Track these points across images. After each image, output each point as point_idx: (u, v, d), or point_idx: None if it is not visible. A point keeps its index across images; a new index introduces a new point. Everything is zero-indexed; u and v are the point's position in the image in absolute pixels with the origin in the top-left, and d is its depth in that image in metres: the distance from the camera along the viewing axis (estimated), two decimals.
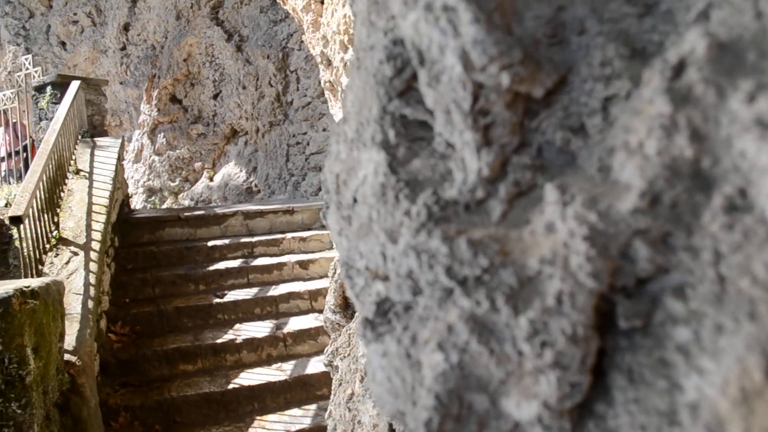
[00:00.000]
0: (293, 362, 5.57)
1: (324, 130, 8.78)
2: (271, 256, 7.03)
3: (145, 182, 12.02)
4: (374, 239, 0.59)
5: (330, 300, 2.36)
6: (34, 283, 3.23)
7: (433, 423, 0.51)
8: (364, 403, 1.49)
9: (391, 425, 1.33)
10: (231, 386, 5.13)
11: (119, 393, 5.05)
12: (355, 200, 0.64)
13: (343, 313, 2.25)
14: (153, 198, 11.76)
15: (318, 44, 5.83)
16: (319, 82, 8.87)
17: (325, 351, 2.30)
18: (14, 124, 8.99)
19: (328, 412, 2.03)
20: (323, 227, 7.64)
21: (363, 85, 0.66)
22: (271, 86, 9.85)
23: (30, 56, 9.37)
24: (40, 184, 4.83)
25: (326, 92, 6.32)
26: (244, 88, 10.40)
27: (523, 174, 0.52)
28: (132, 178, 12.02)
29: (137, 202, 11.60)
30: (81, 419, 3.75)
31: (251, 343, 5.62)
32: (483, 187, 0.54)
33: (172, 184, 11.54)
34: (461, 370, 0.50)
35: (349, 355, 1.97)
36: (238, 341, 5.60)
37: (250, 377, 5.29)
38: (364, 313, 0.62)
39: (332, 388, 2.13)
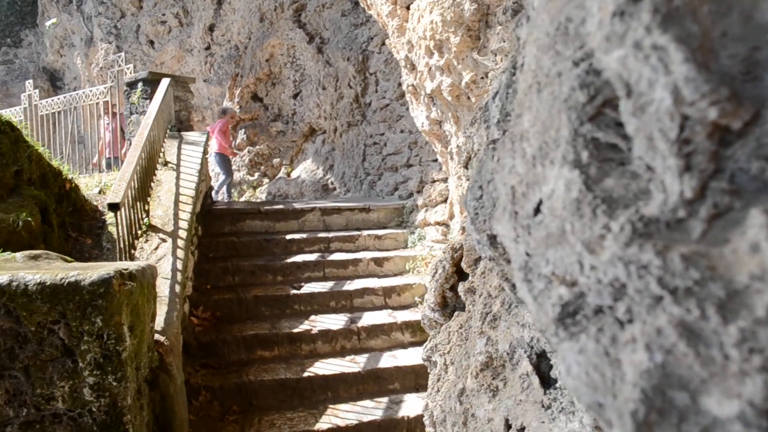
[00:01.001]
0: (366, 355, 5.70)
1: (401, 131, 8.88)
2: (347, 251, 7.20)
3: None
4: (568, 249, 0.66)
5: (429, 298, 2.44)
6: (131, 266, 3.45)
7: (639, 414, 0.58)
8: (479, 398, 1.56)
9: (507, 420, 1.40)
10: (306, 374, 5.29)
11: (200, 373, 5.30)
12: (537, 211, 0.71)
13: (442, 311, 2.33)
14: (232, 191, 12.17)
15: (402, 49, 5.95)
16: (398, 85, 9.02)
17: (423, 347, 2.38)
18: (120, 115, 9.50)
19: (424, 405, 2.11)
20: (398, 226, 7.76)
21: (548, 108, 0.73)
22: (351, 87, 10.03)
23: (122, 54, 9.87)
24: (134, 174, 5.12)
25: (408, 95, 6.44)
26: (323, 88, 10.63)
27: (721, 197, 0.58)
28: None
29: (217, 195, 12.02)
30: (168, 395, 3.97)
31: (326, 335, 5.78)
32: (684, 207, 0.60)
33: (251, 179, 11.91)
34: (663, 369, 0.57)
35: (449, 352, 2.04)
36: (313, 332, 5.77)
37: (325, 367, 5.44)
38: (546, 313, 0.70)
39: (429, 381, 2.21)
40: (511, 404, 1.39)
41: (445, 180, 7.39)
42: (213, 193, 9.67)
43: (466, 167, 2.14)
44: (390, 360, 5.61)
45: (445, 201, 7.31)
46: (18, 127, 5.44)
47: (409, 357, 5.67)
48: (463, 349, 1.87)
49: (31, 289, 3.13)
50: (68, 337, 3.21)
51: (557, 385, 1.22)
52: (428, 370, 2.38)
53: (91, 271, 3.24)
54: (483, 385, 1.50)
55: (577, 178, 0.67)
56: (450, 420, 1.77)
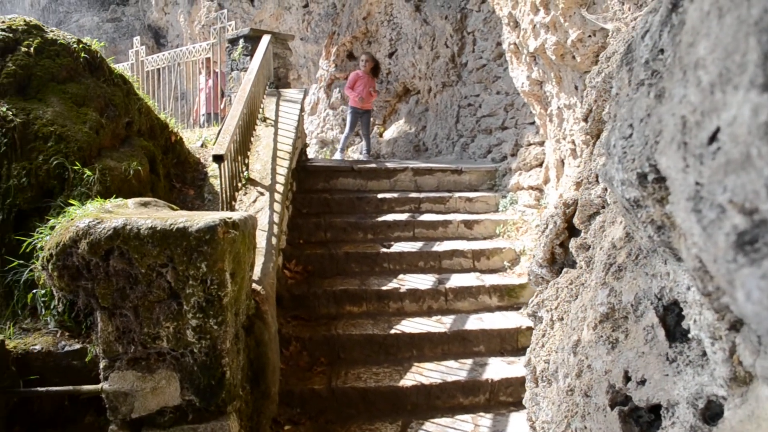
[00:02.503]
0: (453, 317, 5.72)
1: (497, 93, 8.71)
2: (437, 213, 7.19)
3: (318, 134, 12.64)
4: (753, 174, 0.64)
5: (538, 254, 2.42)
6: (235, 215, 3.58)
7: None
8: (596, 349, 1.54)
9: (626, 372, 1.37)
10: (392, 331, 5.37)
11: (291, 324, 5.48)
12: (712, 140, 0.69)
13: (550, 267, 2.30)
14: (324, 149, 12.34)
15: (506, 5, 5.79)
16: (497, 45, 8.81)
17: (529, 302, 2.36)
18: (216, 72, 9.79)
19: (526, 360, 2.11)
20: (490, 189, 7.67)
21: (732, 33, 0.69)
22: (447, 47, 9.88)
23: (225, 11, 10.09)
24: (237, 128, 5.27)
25: (508, 54, 6.28)
26: (419, 47, 10.53)
27: None
28: (307, 129, 12.67)
29: (310, 152, 12.24)
30: (262, 342, 4.12)
31: (413, 294, 5.84)
32: None
33: None
34: None
35: (556, 308, 2.03)
36: (401, 290, 5.83)
37: (411, 325, 5.51)
38: (716, 242, 0.68)
39: (533, 337, 2.21)
40: (632, 356, 1.36)
41: (542, 143, 7.21)
42: (361, 155, 9.91)
43: (585, 120, 2.07)
44: (476, 322, 5.61)
45: (540, 165, 7.15)
46: (129, 80, 5.70)
47: (496, 320, 5.65)
48: (575, 303, 1.83)
49: (143, 233, 3.30)
50: (175, 280, 3.38)
51: (690, 335, 1.18)
52: (533, 326, 2.36)
53: (197, 218, 3.39)
54: (602, 336, 1.47)
55: (766, 102, 0.63)
56: (562, 371, 1.76)
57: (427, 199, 7.33)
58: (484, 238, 6.91)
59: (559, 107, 5.67)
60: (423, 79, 10.59)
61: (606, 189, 1.78)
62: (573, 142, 5.46)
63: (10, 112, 4.56)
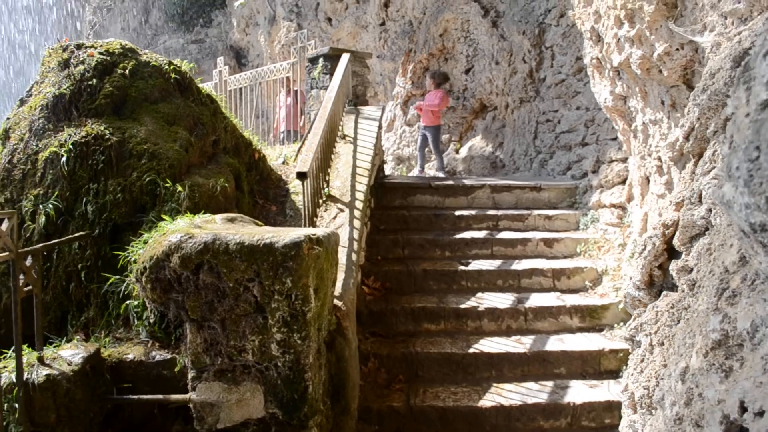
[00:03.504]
0: (532, 337, 5.61)
1: (577, 108, 8.54)
2: (516, 230, 7.10)
3: (394, 150, 12.70)
4: None
5: (635, 276, 2.35)
6: (318, 232, 3.63)
7: None
8: (708, 377, 1.48)
9: (742, 402, 1.31)
10: (471, 350, 5.31)
11: (369, 341, 5.50)
12: None
13: (648, 290, 2.23)
14: (401, 166, 12.40)
15: (588, 19, 5.69)
16: (576, 59, 8.66)
17: (627, 325, 2.30)
18: (296, 91, 10.04)
19: (623, 386, 2.05)
20: (570, 207, 7.51)
21: None
22: (525, 62, 9.78)
23: (305, 31, 10.33)
24: (319, 146, 5.36)
25: (590, 69, 6.16)
26: (496, 63, 10.46)
27: None
28: (384, 145, 12.77)
29: (387, 169, 12.32)
30: (343, 357, 4.15)
31: (492, 313, 5.76)
32: None
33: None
34: None
35: (656, 332, 1.96)
36: (479, 309, 5.77)
37: (490, 345, 5.43)
38: None
39: (630, 362, 2.13)
40: (748, 386, 1.29)
41: (625, 160, 7.01)
42: (435, 172, 9.98)
43: (686, 138, 2.00)
44: (557, 344, 5.48)
45: (623, 182, 6.95)
46: (216, 99, 5.91)
47: (577, 342, 5.50)
48: (679, 328, 1.76)
49: (231, 248, 3.40)
50: (261, 294, 3.45)
51: None
52: (630, 350, 2.28)
53: (283, 235, 3.46)
54: (713, 364, 1.41)
55: None
56: (668, 399, 1.69)
57: (505, 216, 7.25)
58: (565, 257, 6.76)
59: (644, 123, 5.51)
60: (500, 95, 10.51)
61: (710, 210, 1.70)
62: (659, 158, 5.28)
63: (108, 131, 4.80)
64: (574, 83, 8.73)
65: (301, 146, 7.60)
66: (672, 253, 2.10)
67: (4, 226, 3.42)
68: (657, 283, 2.16)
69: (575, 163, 8.30)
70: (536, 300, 5.98)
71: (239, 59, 19.35)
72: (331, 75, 8.24)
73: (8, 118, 5.43)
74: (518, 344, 5.47)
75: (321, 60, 8.82)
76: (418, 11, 12.63)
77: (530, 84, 9.70)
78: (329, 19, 15.37)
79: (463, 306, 5.80)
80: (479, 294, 6.09)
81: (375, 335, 5.65)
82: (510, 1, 10.30)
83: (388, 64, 13.77)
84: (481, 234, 6.95)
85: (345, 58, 7.79)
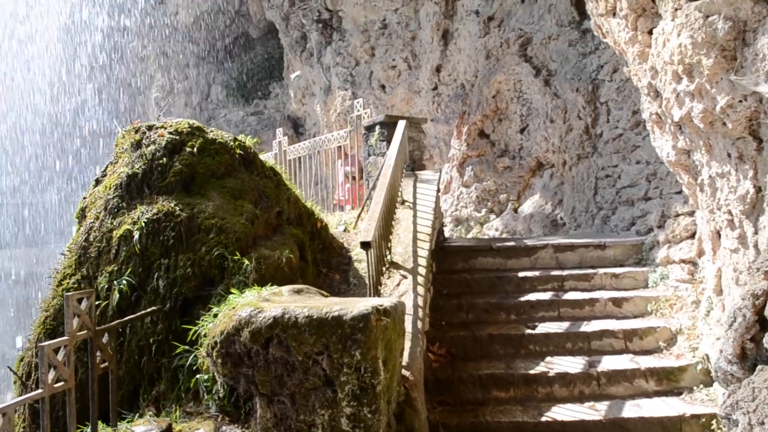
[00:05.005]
0: (607, 403, 5.39)
1: (637, 162, 8.41)
2: (582, 290, 6.93)
3: (452, 212, 12.71)
4: None
5: (726, 350, 2.25)
6: (385, 302, 3.63)
7: None
8: None
9: None
10: (543, 419, 5.14)
11: (437, 410, 5.38)
12: None
13: (741, 364, 2.14)
14: (459, 227, 12.37)
15: (644, 76, 5.67)
16: (633, 113, 8.59)
17: (722, 403, 2.20)
18: (353, 156, 10.23)
19: None
20: (637, 264, 7.31)
21: None
22: (580, 119, 9.75)
23: (360, 100, 10.58)
24: (381, 213, 5.40)
25: (649, 124, 6.09)
26: (551, 121, 10.46)
27: None
28: (441, 208, 12.81)
29: (445, 231, 12.30)
30: (413, 430, 4.07)
31: (563, 378, 5.58)
32: None
33: (478, 215, 12.02)
34: None
35: (754, 410, 1.85)
36: (550, 374, 5.60)
37: (562, 412, 5.25)
38: None
39: None
40: None
41: (692, 213, 6.82)
42: None
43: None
44: (633, 409, 5.25)
45: (691, 236, 6.74)
46: (279, 171, 6.07)
47: (655, 407, 5.26)
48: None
49: (300, 321, 3.42)
50: (330, 368, 3.44)
51: None
52: (726, 429, 2.16)
53: (350, 306, 3.46)
54: None
55: None
56: None
57: (570, 276, 7.09)
58: (635, 317, 6.54)
59: (710, 176, 5.37)
60: (557, 152, 10.46)
61: None
62: (729, 212, 5.12)
63: (177, 208, 4.98)
64: (633, 137, 8.64)
65: (360, 212, 7.70)
66: (764, 324, 2.01)
67: (83, 305, 3.54)
68: (750, 356, 2.06)
69: (639, 219, 8.11)
70: (608, 363, 5.78)
71: (297, 128, 19.92)
72: (388, 142, 8.37)
73: (84, 198, 5.69)
74: (592, 411, 5.26)
75: (377, 127, 8.99)
76: (470, 74, 12.83)
77: (587, 140, 9.64)
78: (383, 87, 15.75)
79: (532, 371, 5.65)
80: (548, 358, 5.93)
81: (442, 404, 5.53)
82: (561, 59, 10.37)
83: (442, 126, 13.94)
84: (546, 295, 6.81)
85: (401, 124, 7.92)
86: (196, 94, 22.67)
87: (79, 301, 3.53)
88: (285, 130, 13.78)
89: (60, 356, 3.31)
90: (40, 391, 3.18)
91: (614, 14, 6.02)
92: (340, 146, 10.39)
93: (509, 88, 11.56)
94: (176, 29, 21.97)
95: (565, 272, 7.17)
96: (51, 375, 3.22)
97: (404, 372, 4.28)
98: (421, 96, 14.84)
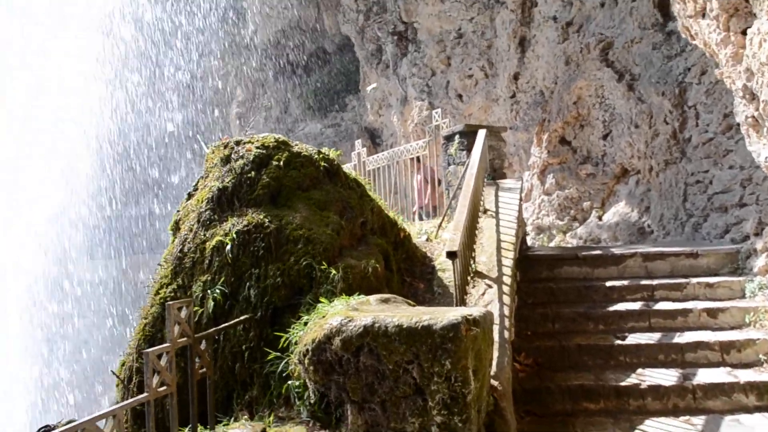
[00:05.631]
0: (703, 417, 5.19)
1: (730, 167, 8.06)
2: (673, 300, 6.69)
3: (534, 221, 12.53)
4: None
5: None
6: (474, 312, 3.62)
7: None
8: None
9: None
10: None
11: (525, 420, 5.31)
12: None
13: None
14: (541, 236, 12.18)
15: (739, 78, 5.46)
16: (724, 117, 8.25)
17: None
18: (425, 167, 10.28)
19: None
20: (732, 273, 7.02)
21: None
22: (666, 123, 9.45)
23: (439, 110, 10.60)
24: (465, 223, 5.40)
25: (744, 128, 5.86)
26: (636, 126, 10.17)
27: None
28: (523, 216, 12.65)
29: (527, 240, 12.12)
30: None
31: (656, 390, 5.41)
32: None
33: (560, 223, 11.80)
34: None
35: None
36: (642, 386, 5.43)
37: (656, 426, 5.09)
38: None
39: None
40: None
41: None
42: None
43: None
44: (732, 425, 5.04)
45: None
46: (362, 182, 6.16)
47: (757, 424, 5.03)
48: None
49: (390, 331, 3.46)
50: (420, 376, 3.46)
51: None
52: None
53: (439, 316, 3.48)
54: None
55: None
56: None
57: (660, 286, 6.86)
58: (732, 328, 6.26)
59: None
60: (642, 158, 10.15)
61: None
62: None
63: (266, 220, 5.14)
64: (725, 141, 8.29)
65: (441, 222, 7.71)
66: None
67: (183, 313, 3.70)
68: None
69: (734, 226, 7.77)
70: (704, 376, 5.55)
71: (374, 139, 20.12)
72: (468, 151, 8.36)
73: (178, 211, 5.95)
74: (688, 425, 5.07)
75: (457, 137, 8.99)
76: (549, 81, 12.64)
77: (674, 145, 9.32)
78: (460, 96, 15.72)
79: (623, 383, 5.49)
80: (639, 370, 5.75)
81: (530, 414, 5.45)
82: (645, 63, 10.08)
83: (521, 134, 13.78)
84: (635, 305, 6.61)
85: (481, 134, 7.89)
86: (275, 109, 23.26)
87: (179, 309, 3.69)
88: (362, 141, 13.96)
89: (162, 362, 3.47)
90: (145, 394, 3.34)
91: (703, 15, 5.84)
92: (421, 156, 10.44)
93: (591, 94, 11.32)
94: (255, 47, 22.65)
95: (655, 281, 6.94)
96: (155, 380, 3.38)
97: (493, 382, 4.25)
98: (499, 104, 14.72)
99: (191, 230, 5.46)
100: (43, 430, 5.05)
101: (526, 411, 5.45)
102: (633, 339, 6.12)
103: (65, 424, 3.93)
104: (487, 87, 15.08)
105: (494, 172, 8.83)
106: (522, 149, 13.97)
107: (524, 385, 5.61)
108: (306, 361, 3.90)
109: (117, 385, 5.39)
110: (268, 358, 4.64)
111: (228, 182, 5.51)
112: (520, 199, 7.77)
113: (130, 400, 3.31)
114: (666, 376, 5.58)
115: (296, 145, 5.92)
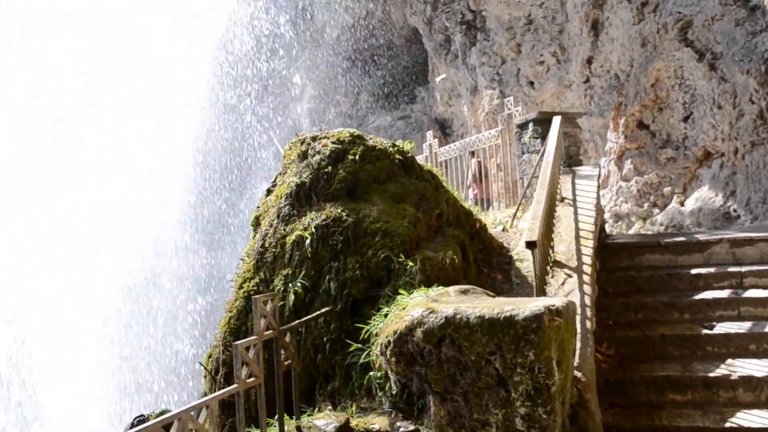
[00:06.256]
0: None
1: None
2: (765, 288, 6.40)
3: (611, 208, 12.23)
4: None
5: None
6: (557, 302, 3.59)
7: None
8: None
9: None
10: (727, 425, 4.83)
11: (609, 412, 5.20)
12: None
13: None
14: (619, 223, 11.88)
15: None
16: None
17: None
18: (478, 162, 10.30)
19: None
20: None
21: None
22: (752, 103, 9.04)
23: (511, 98, 10.46)
24: (543, 212, 5.33)
25: None
26: (719, 107, 9.77)
27: None
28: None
29: (605, 228, 11.84)
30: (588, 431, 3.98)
31: (748, 382, 5.20)
32: None
33: (639, 210, 11.47)
34: None
35: None
36: (732, 377, 5.24)
37: (748, 419, 4.90)
38: None
39: None
40: None
41: None
42: None
43: None
44: None
45: None
46: (437, 174, 6.17)
47: None
48: None
49: (472, 321, 3.47)
50: (503, 367, 3.46)
51: None
52: None
53: (522, 306, 3.46)
54: None
55: None
56: None
57: (750, 273, 6.56)
58: None
59: None
60: (726, 140, 9.75)
61: None
62: None
63: (344, 213, 5.22)
64: None
65: (516, 211, 7.63)
66: None
67: (269, 306, 3.82)
68: None
69: None
70: None
71: (444, 130, 20.05)
72: (542, 139, 8.23)
73: (258, 207, 6.11)
74: None
75: (530, 125, 8.86)
76: (625, 64, 12.28)
77: (761, 125, 8.93)
78: (531, 83, 15.49)
79: (711, 374, 5.31)
80: (729, 360, 5.54)
81: (613, 406, 5.34)
82: (727, 40, 9.66)
83: (596, 120, 13.45)
84: (723, 293, 6.36)
85: (556, 120, 7.74)
86: (345, 103, 23.48)
87: (265, 303, 3.80)
88: (433, 133, 13.94)
89: (250, 354, 3.58)
90: (235, 386, 3.46)
91: None
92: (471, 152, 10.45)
93: (669, 76, 10.95)
94: (324, 42, 22.92)
95: (744, 269, 6.64)
96: (244, 371, 3.50)
97: (576, 373, 4.19)
98: (572, 90, 14.41)
99: (271, 225, 5.60)
100: (137, 419, 5.32)
101: (610, 403, 5.35)
102: (721, 328, 5.89)
103: (158, 414, 4.14)
104: (560, 73, 14.79)
105: (570, 159, 8.66)
106: (597, 135, 13.64)
107: (607, 377, 5.50)
108: (388, 353, 3.95)
109: (205, 377, 5.60)
110: (350, 349, 4.72)
111: (305, 177, 5.63)
112: (598, 186, 7.60)
113: (222, 391, 3.43)
114: (759, 367, 5.35)
115: (371, 138, 5.98)
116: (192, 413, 2.99)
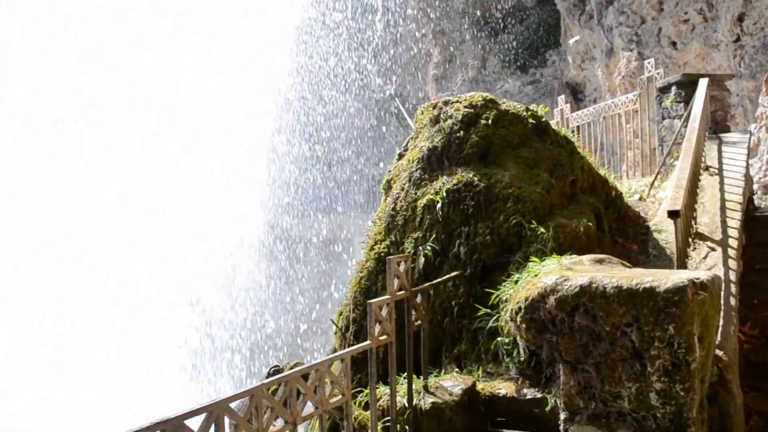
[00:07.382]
0: None
1: None
2: None
3: (761, 178, 11.33)
4: None
5: None
6: (702, 275, 3.40)
7: None
8: None
9: None
10: None
11: (750, 395, 4.94)
12: None
13: None
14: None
15: None
16: None
17: None
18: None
19: None
20: None
21: None
22: None
23: (651, 60, 9.88)
24: (687, 181, 5.05)
25: None
26: None
27: None
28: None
29: (754, 200, 11.03)
30: (727, 414, 3.80)
31: None
32: None
33: None
34: None
35: None
36: None
37: None
38: None
39: None
40: None
41: None
42: None
43: None
44: None
45: None
46: (572, 140, 5.99)
47: None
48: None
49: (608, 291, 3.38)
50: (639, 340, 3.35)
51: None
52: None
53: (663, 278, 3.32)
54: None
55: None
56: None
57: None
58: None
59: None
60: None
61: None
62: None
63: (475, 178, 5.20)
64: None
65: (654, 180, 7.26)
66: None
67: (402, 267, 3.90)
68: None
69: None
70: None
71: (575, 95, 19.31)
72: (685, 103, 7.76)
73: (389, 171, 6.21)
74: None
75: (673, 88, 8.36)
76: None
77: None
78: (673, 44, 14.52)
79: None
80: None
81: (755, 389, 5.06)
82: None
83: (747, 83, 12.44)
84: None
85: (703, 83, 7.26)
86: (472, 68, 23.10)
87: (398, 264, 3.89)
88: (565, 98, 13.47)
89: (383, 313, 3.69)
90: (368, 342, 3.58)
91: None
92: (631, 111, 9.88)
93: None
94: (451, 7, 22.57)
95: None
96: (377, 329, 3.61)
97: (717, 351, 3.99)
98: (720, 50, 13.37)
99: (402, 189, 5.68)
100: (273, 369, 5.63)
101: (751, 386, 5.06)
102: None
103: (292, 366, 4.36)
104: (706, 32, 13.74)
105: (716, 125, 8.13)
106: (747, 99, 12.62)
107: (750, 358, 5.21)
108: (518, 319, 3.92)
109: (335, 333, 5.83)
110: (478, 314, 4.75)
111: (437, 142, 5.64)
112: (747, 155, 7.07)
113: (356, 347, 3.56)
114: None
115: (503, 103, 5.88)
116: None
